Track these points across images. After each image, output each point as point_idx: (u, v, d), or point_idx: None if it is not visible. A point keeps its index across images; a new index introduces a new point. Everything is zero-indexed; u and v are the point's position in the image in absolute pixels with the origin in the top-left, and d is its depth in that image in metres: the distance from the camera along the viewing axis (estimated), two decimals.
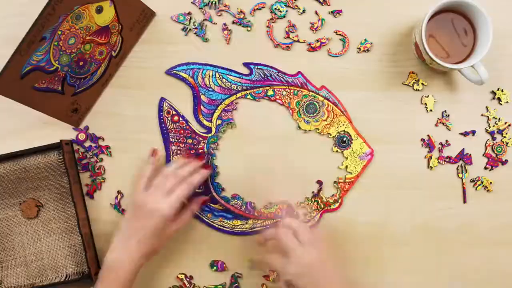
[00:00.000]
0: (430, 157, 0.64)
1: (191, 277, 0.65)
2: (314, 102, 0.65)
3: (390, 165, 0.65)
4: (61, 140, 0.62)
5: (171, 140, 0.65)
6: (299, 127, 0.65)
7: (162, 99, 0.65)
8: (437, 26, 0.61)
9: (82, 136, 0.65)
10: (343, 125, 0.65)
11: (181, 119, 0.65)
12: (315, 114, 0.65)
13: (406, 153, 0.65)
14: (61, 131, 0.65)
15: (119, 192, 0.65)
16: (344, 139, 0.64)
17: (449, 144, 0.64)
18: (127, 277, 0.55)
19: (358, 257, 0.65)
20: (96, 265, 0.63)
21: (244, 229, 0.65)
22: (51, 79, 0.57)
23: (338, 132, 0.64)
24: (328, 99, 0.65)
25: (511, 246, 0.65)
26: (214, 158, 0.65)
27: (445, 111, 0.64)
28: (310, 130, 0.65)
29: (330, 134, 0.64)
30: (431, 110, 0.64)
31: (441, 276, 0.65)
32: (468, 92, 0.65)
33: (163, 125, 0.65)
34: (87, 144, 0.66)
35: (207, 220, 0.65)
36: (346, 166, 0.64)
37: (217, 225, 0.65)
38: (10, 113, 0.65)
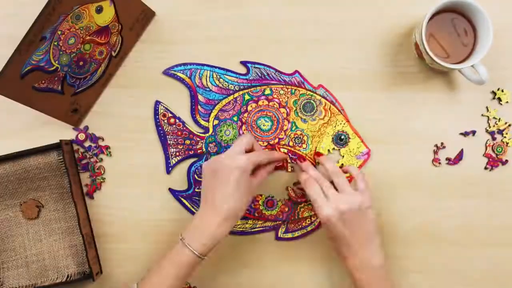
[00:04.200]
0: (435, 158, 0.64)
1: None
2: (311, 101, 0.65)
3: (389, 165, 0.65)
4: (61, 140, 0.62)
5: (169, 142, 0.65)
6: (296, 126, 0.65)
7: (157, 102, 0.65)
8: (437, 26, 0.61)
9: (82, 136, 0.65)
10: (341, 124, 0.64)
11: (177, 121, 0.65)
12: (313, 113, 0.65)
13: (406, 153, 0.65)
14: (61, 131, 0.65)
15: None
16: (342, 137, 0.64)
17: (444, 147, 0.64)
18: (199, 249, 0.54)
19: None
20: (97, 265, 0.64)
21: (244, 229, 0.65)
22: (51, 79, 0.57)
23: (336, 130, 0.64)
24: (325, 98, 0.64)
25: (511, 246, 0.65)
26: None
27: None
28: (307, 130, 0.65)
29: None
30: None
31: (440, 276, 0.65)
32: (468, 92, 0.65)
33: (160, 128, 0.65)
34: (87, 144, 0.66)
35: None
36: (342, 165, 0.64)
37: None
38: (10, 113, 0.65)
